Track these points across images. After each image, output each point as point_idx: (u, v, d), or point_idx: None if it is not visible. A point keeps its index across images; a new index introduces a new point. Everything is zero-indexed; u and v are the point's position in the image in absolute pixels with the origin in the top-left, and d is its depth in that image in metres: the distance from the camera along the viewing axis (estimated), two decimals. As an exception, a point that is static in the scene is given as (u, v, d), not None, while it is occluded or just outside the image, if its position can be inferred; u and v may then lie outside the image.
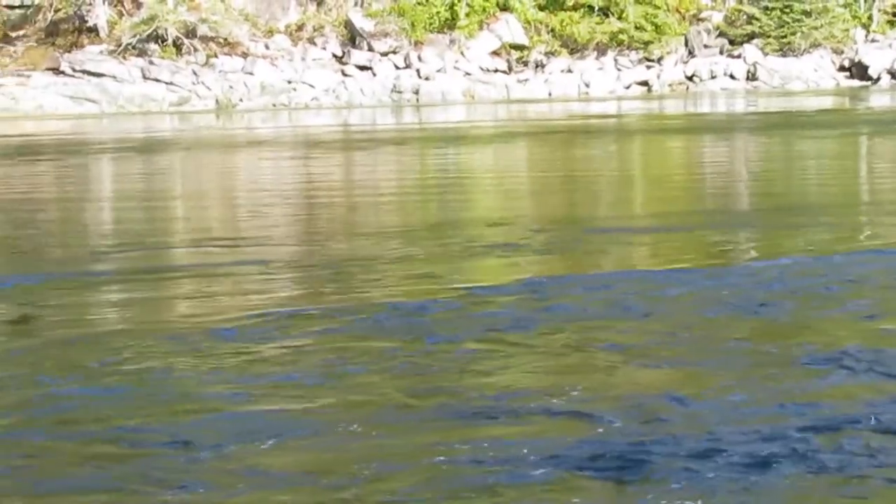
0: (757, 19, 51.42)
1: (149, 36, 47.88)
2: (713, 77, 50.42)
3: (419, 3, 50.24)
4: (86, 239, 11.47)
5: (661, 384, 5.41)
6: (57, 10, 48.30)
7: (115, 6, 48.76)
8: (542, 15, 51.42)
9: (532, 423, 4.87)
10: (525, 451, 4.50)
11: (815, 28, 50.97)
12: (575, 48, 51.17)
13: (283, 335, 6.55)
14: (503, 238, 10.31)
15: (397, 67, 49.62)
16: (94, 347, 6.40)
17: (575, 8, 51.28)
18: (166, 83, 47.47)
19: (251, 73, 48.22)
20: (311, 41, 50.22)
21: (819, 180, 15.72)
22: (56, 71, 47.23)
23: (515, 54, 50.89)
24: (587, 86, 49.94)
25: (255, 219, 12.81)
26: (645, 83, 50.59)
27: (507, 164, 20.28)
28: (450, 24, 50.45)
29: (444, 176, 17.90)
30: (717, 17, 52.65)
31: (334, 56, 50.04)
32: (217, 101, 47.06)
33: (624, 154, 21.84)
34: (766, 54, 51.11)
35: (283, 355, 6.10)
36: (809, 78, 50.54)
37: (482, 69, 50.26)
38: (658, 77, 50.64)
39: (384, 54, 49.86)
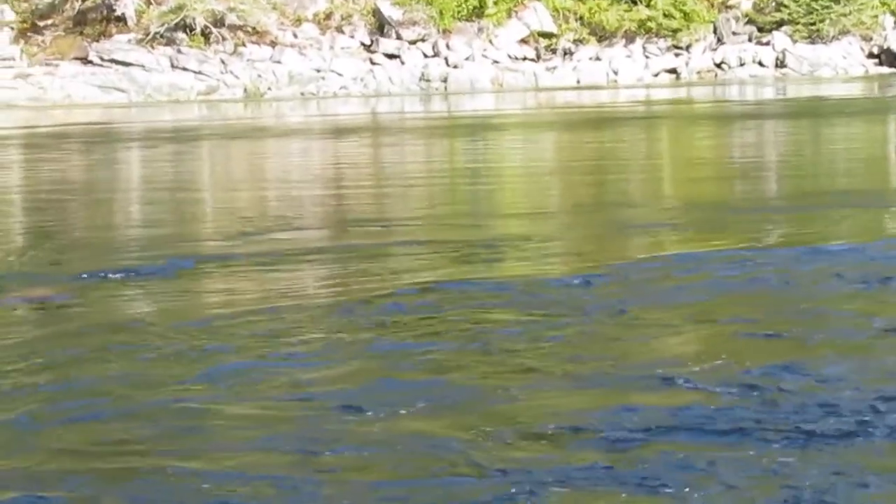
0: (785, 6, 51.27)
1: (177, 25, 47.73)
2: (742, 64, 50.32)
3: (447, -8, 50.17)
4: (227, 222, 11.56)
5: (776, 355, 5.55)
6: (85, 0, 48.18)
7: (143, -5, 48.68)
8: (570, 3, 51.27)
9: (652, 391, 5.05)
10: (650, 416, 4.69)
11: (844, 15, 50.82)
12: (603, 36, 51.07)
13: (442, 308, 6.83)
14: (652, 218, 10.65)
15: (425, 56, 49.52)
16: (266, 321, 6.62)
17: (603, -5, 51.21)
18: (194, 72, 47.35)
19: (279, 62, 48.12)
20: (340, 30, 50.10)
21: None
22: (84, 60, 47.10)
23: (544, 42, 50.76)
24: (615, 73, 49.85)
25: (387, 201, 12.98)
26: (673, 71, 50.50)
27: (597, 150, 20.41)
28: (478, 12, 50.31)
29: (547, 160, 18.06)
30: (746, 5, 52.51)
31: (362, 45, 49.92)
32: (245, 90, 46.94)
33: (706, 139, 21.94)
34: (794, 41, 51.00)
35: (442, 326, 6.38)
36: (838, 65, 50.44)
37: (510, 57, 50.17)
38: (686, 64, 50.55)
39: (412, 42, 49.74)
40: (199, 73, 47.39)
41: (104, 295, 7.80)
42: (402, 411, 4.87)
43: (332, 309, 6.89)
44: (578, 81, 49.09)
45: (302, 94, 46.98)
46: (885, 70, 50.10)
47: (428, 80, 48.38)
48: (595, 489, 3.98)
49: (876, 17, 51.60)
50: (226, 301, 7.42)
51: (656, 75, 50.20)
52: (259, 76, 47.41)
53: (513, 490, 3.99)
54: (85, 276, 8.31)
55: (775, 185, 13.74)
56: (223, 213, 12.51)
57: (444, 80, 48.34)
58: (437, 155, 19.94)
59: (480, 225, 10.70)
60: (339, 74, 48.14)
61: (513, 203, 12.67)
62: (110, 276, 8.29)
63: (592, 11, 50.92)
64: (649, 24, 50.87)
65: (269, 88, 47.21)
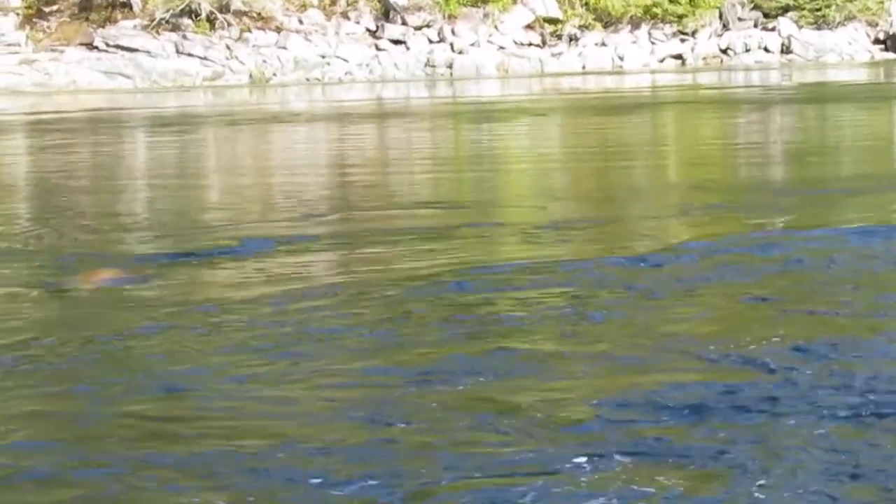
0: (791, -8, 51.39)
1: (182, 11, 47.65)
2: (747, 50, 50.38)
3: (453, -23, 50.10)
4: (287, 204, 11.61)
5: (821, 333, 5.63)
6: (90, -14, 48.08)
7: (149, -20, 48.53)
8: (575, -12, 51.32)
9: (687, 370, 5.13)
10: (701, 392, 4.76)
11: (850, 0, 50.86)
12: (609, 21, 51.07)
13: (508, 286, 6.93)
14: (704, 199, 10.83)
15: (431, 41, 49.48)
16: (342, 299, 6.75)
17: (609, -19, 51.17)
18: (200, 58, 47.29)
19: (284, 48, 48.07)
20: (345, 15, 50.03)
21: None
22: (89, 46, 47.01)
23: (549, 28, 50.76)
24: (621, 59, 49.91)
25: (441, 184, 13.08)
26: (679, 56, 50.56)
27: (632, 135, 20.49)
28: (483, -3, 50.33)
29: (586, 145, 18.13)
30: (752, -10, 52.59)
31: (368, 30, 49.86)
32: (250, 75, 46.89)
33: (737, 124, 22.01)
34: (800, 27, 51.07)
35: (507, 304, 6.48)
36: (844, 51, 50.52)
37: (516, 43, 50.15)
38: (692, 50, 50.61)
39: (418, 28, 49.70)
40: (205, 58, 47.33)
41: (180, 276, 7.78)
42: (461, 386, 4.97)
43: (403, 287, 7.01)
44: (584, 67, 49.12)
45: (307, 79, 46.94)
46: (891, 56, 50.19)
47: (433, 66, 48.37)
48: (655, 461, 4.07)
49: (882, 2, 51.66)
50: (300, 281, 7.48)
51: (662, 61, 50.25)
52: (264, 62, 47.36)
53: (576, 459, 4.08)
54: (159, 257, 8.30)
55: (817, 168, 13.83)
56: (280, 195, 12.55)
57: (450, 66, 48.34)
58: (471, 139, 20.02)
59: (540, 207, 10.82)
60: (345, 60, 48.12)
61: (565, 187, 12.79)
62: (184, 258, 8.26)
63: (598, -3, 50.96)
64: (655, 9, 50.88)
65: (275, 74, 47.17)
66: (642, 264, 7.46)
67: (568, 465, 4.05)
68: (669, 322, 5.97)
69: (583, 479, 3.97)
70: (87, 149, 20.21)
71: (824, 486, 3.83)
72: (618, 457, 4.11)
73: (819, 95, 29.51)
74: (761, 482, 3.87)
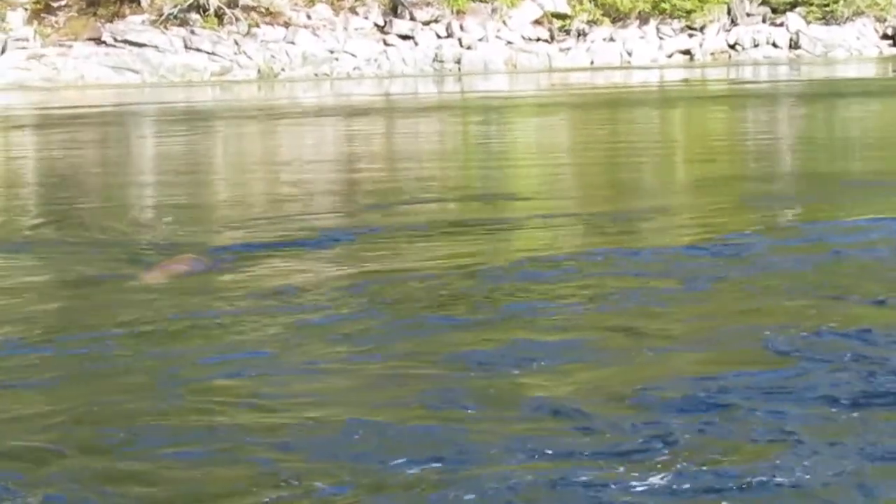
0: (800, -13, 51.44)
1: (190, 6, 47.63)
2: (756, 45, 50.43)
3: (461, -28, 50.10)
4: (354, 196, 11.66)
5: (855, 320, 5.69)
6: (98, -19, 48.04)
7: (157, -24, 48.49)
8: (583, -16, 51.33)
9: (724, 359, 5.22)
10: (727, 382, 4.85)
11: (858, -4, 51.01)
12: (617, 17, 51.10)
13: (575, 275, 7.08)
14: (768, 190, 11.04)
15: (439, 37, 49.49)
16: (415, 287, 6.86)
17: (617, -24, 51.19)
18: (208, 53, 47.26)
19: (293, 43, 48.05)
20: (353, 11, 50.02)
21: None
22: (97, 41, 46.99)
23: (557, 23, 50.79)
24: (629, 54, 49.92)
25: (500, 177, 13.15)
26: (687, 52, 50.59)
27: (679, 128, 20.59)
28: (491, -8, 50.33)
29: (633, 139, 18.23)
30: (760, -14, 52.61)
31: (376, 25, 49.86)
32: (259, 70, 46.86)
33: (781, 117, 22.08)
34: (808, 23, 51.14)
35: (574, 291, 6.59)
36: (852, 46, 50.60)
37: (524, 38, 50.17)
38: (700, 46, 50.64)
39: (426, 23, 49.69)
40: (213, 54, 47.29)
41: (261, 265, 7.77)
42: (522, 371, 5.05)
43: (474, 275, 7.11)
44: (592, 63, 49.12)
45: (315, 74, 46.92)
46: (899, 51, 50.28)
47: (441, 62, 48.35)
48: (711, 441, 4.15)
49: (890, -3, 51.76)
50: (376, 269, 7.53)
51: (670, 56, 50.29)
52: (272, 57, 47.33)
53: (636, 442, 4.19)
54: (238, 248, 8.29)
55: (873, 160, 13.89)
56: (339, 187, 12.59)
57: (458, 62, 48.31)
58: (512, 134, 20.07)
59: (604, 198, 10.93)
60: (353, 55, 48.09)
61: (618, 179, 12.89)
62: (264, 248, 8.27)
63: (606, -8, 50.97)
64: (663, 5, 50.92)
65: (283, 69, 47.14)
66: (705, 253, 7.55)
67: (629, 447, 4.15)
68: (726, 311, 6.06)
69: (644, 459, 4.06)
70: (128, 143, 20.19)
71: (865, 465, 3.96)
72: (675, 437, 4.19)
73: (840, 90, 29.54)
74: (807, 464, 3.98)
